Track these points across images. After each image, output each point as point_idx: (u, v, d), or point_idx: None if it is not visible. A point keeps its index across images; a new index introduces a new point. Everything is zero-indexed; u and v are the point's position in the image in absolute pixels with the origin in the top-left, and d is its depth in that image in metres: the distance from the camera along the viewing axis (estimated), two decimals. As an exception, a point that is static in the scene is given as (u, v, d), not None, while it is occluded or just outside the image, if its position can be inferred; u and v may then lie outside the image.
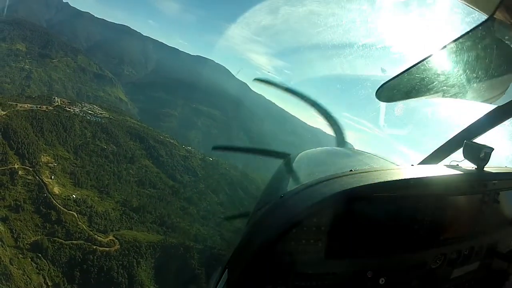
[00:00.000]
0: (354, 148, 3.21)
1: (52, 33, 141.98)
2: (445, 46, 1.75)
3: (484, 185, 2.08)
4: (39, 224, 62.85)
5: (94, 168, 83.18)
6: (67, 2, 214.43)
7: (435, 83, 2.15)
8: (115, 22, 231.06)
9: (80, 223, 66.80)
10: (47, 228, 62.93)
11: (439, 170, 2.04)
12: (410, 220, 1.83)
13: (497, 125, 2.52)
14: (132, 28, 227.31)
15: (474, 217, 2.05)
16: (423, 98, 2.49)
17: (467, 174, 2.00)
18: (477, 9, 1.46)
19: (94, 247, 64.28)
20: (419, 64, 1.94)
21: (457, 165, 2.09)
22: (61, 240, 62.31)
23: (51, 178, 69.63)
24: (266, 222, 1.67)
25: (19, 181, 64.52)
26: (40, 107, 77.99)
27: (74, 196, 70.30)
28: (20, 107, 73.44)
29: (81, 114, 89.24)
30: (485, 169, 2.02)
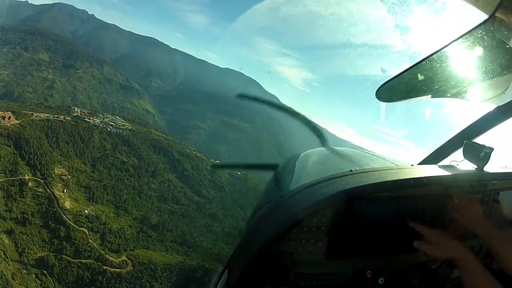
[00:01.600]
0: (354, 148, 3.22)
1: (77, 44, 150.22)
2: (445, 46, 1.82)
3: (484, 185, 2.25)
4: (47, 240, 61.33)
5: (112, 182, 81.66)
6: (93, 14, 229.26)
7: (435, 83, 2.23)
8: (142, 35, 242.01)
9: (91, 240, 64.43)
10: (55, 245, 61.19)
11: (439, 170, 2.17)
12: (410, 220, 1.97)
13: (497, 125, 2.63)
14: (159, 40, 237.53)
15: None
16: (423, 98, 2.54)
17: (467, 174, 2.14)
18: (477, 9, 1.53)
19: (105, 267, 61.18)
20: (419, 64, 1.99)
21: (457, 165, 2.21)
22: (69, 258, 60.17)
23: (63, 192, 68.76)
24: (266, 222, 1.78)
25: (28, 193, 64.12)
26: (57, 117, 79.11)
27: (87, 212, 68.47)
28: (36, 116, 74.95)
29: (101, 125, 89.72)
30: (485, 169, 2.12)
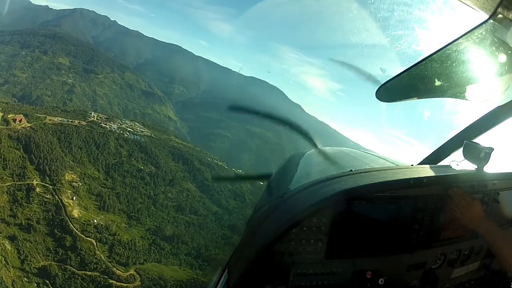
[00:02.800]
0: (354, 148, 3.30)
1: (98, 49, 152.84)
2: (445, 46, 1.90)
3: (484, 185, 2.31)
4: (51, 249, 59.68)
5: (126, 190, 79.86)
6: (115, 20, 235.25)
7: (435, 83, 2.31)
8: (166, 41, 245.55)
9: (98, 252, 62.21)
10: (60, 254, 59.42)
11: (439, 170, 2.29)
12: (410, 220, 2.08)
13: (497, 125, 2.72)
14: (183, 47, 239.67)
15: None
16: (423, 98, 2.63)
17: (467, 174, 2.22)
18: (477, 9, 1.58)
19: (110, 281, 58.68)
20: (419, 64, 2.08)
21: (457, 165, 2.29)
22: (73, 269, 58.11)
23: (72, 199, 67.38)
24: (266, 222, 1.86)
25: (35, 199, 63.11)
26: (71, 122, 78.75)
27: (96, 221, 66.65)
28: (49, 120, 74.77)
29: (118, 131, 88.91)
30: (485, 169, 2.21)
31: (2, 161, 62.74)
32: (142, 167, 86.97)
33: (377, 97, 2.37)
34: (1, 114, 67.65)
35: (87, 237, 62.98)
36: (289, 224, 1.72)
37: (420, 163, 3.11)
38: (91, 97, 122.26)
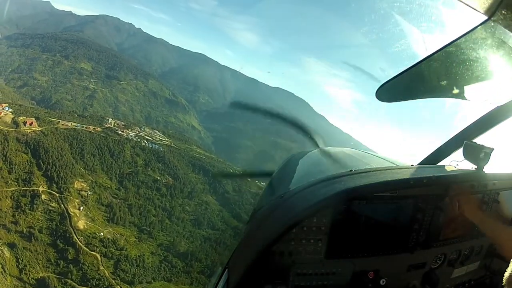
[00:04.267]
0: (354, 148, 3.32)
1: (122, 56, 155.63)
2: (445, 46, 1.96)
3: (484, 185, 2.38)
4: (52, 260, 57.44)
5: (140, 202, 76.64)
6: (140, 28, 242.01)
7: (435, 83, 2.38)
8: (191, 50, 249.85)
9: (102, 267, 59.02)
10: (60, 267, 57.01)
11: (439, 170, 2.36)
12: (410, 220, 2.16)
13: (497, 125, 2.74)
14: (208, 56, 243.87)
15: None
16: (423, 98, 2.70)
17: (467, 174, 2.26)
18: (477, 9, 1.61)
19: None
20: (419, 64, 2.14)
21: (457, 165, 2.33)
22: (73, 283, 55.53)
23: (79, 209, 65.13)
24: (266, 222, 1.91)
25: (39, 207, 61.48)
26: (86, 127, 77.24)
27: (102, 235, 63.76)
28: (62, 124, 73.63)
29: (135, 139, 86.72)
30: (485, 169, 2.24)
31: (8, 164, 61.95)
32: (158, 178, 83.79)
33: (377, 97, 2.37)
34: (12, 116, 67.20)
35: (91, 250, 60.25)
36: (289, 224, 1.73)
37: (420, 163, 3.08)
38: (113, 103, 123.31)
